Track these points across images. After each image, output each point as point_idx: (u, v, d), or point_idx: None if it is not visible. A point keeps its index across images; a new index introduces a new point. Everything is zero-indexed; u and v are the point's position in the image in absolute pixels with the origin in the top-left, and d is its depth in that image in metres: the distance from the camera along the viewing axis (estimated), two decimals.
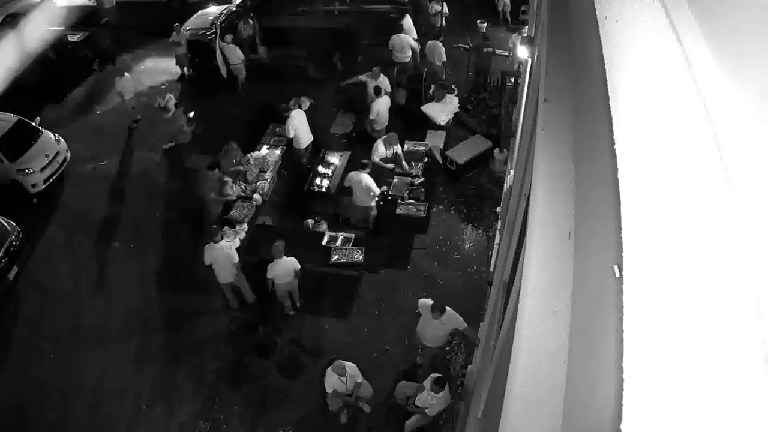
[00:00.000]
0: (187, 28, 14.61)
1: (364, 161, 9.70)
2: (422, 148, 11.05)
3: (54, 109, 14.21)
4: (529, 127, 5.65)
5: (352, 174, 9.57)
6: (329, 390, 7.25)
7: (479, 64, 13.41)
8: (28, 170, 11.37)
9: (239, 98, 14.03)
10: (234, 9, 14.75)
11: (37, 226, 10.98)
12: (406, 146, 11.13)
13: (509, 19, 16.09)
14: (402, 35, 12.99)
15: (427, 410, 6.88)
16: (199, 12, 15.39)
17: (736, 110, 1.23)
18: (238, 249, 9.17)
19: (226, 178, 10.01)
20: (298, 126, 10.82)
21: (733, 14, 1.37)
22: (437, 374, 6.90)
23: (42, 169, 11.49)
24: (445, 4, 14.67)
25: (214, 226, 9.00)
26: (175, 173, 12.20)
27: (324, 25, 13.99)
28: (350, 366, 7.19)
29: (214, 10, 15.23)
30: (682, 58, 1.47)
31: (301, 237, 9.49)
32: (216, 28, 13.86)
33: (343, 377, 7.11)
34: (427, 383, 6.88)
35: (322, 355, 8.49)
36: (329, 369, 7.14)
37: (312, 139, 11.22)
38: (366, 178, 9.40)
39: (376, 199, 9.74)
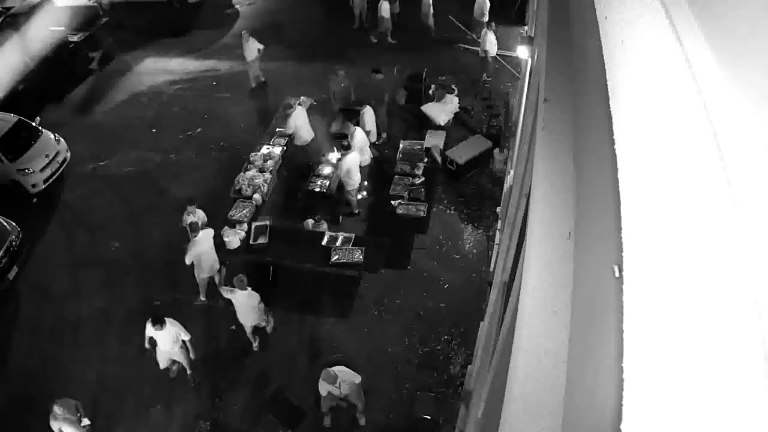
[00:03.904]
0: None
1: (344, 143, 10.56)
2: (418, 147, 11.09)
3: (54, 109, 14.20)
4: (529, 127, 5.65)
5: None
6: (323, 393, 7.19)
7: None
8: (28, 170, 11.37)
9: None
10: None
11: (37, 226, 10.97)
12: (402, 145, 11.15)
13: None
14: None
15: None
16: None
17: (736, 110, 1.23)
18: (237, 249, 9.18)
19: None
20: (299, 122, 10.88)
21: (733, 14, 1.37)
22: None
23: (42, 169, 11.49)
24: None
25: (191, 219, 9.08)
26: (176, 173, 12.20)
27: None
28: (342, 371, 7.10)
29: None
30: (682, 58, 1.47)
31: (301, 237, 9.49)
32: None
33: (335, 384, 7.00)
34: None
35: (322, 355, 8.49)
36: (321, 379, 7.03)
37: (313, 135, 11.25)
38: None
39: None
